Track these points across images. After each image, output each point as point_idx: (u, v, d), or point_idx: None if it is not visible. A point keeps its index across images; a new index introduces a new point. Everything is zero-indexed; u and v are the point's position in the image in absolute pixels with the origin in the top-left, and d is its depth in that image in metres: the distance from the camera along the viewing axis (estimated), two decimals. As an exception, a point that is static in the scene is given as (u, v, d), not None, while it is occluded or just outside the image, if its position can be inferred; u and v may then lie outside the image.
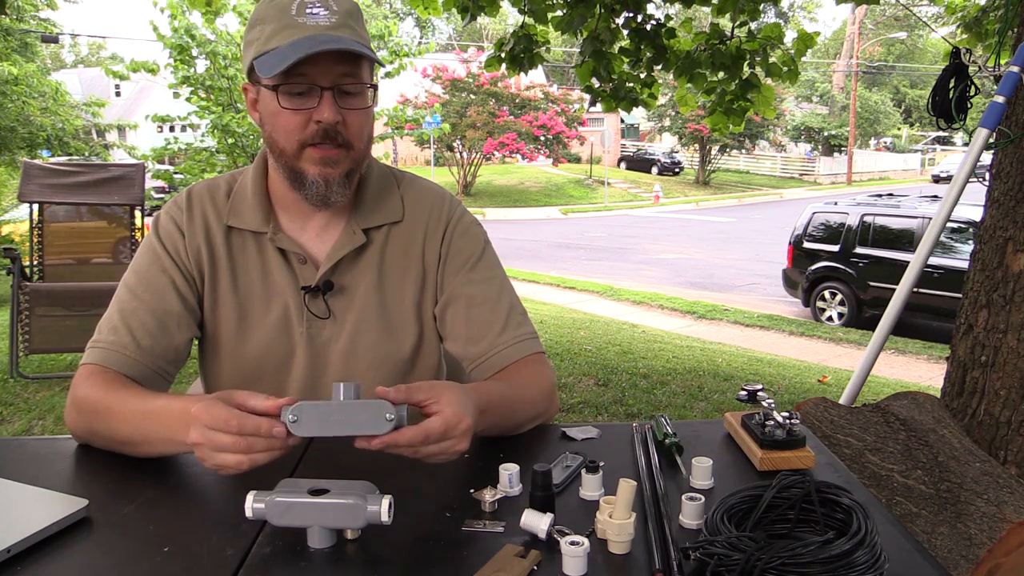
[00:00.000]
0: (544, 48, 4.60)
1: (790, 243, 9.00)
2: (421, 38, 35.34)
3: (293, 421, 0.85)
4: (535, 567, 0.78)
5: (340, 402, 0.86)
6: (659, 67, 4.64)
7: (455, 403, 0.92)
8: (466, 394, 0.96)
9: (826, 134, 33.75)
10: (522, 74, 4.97)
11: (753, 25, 4.47)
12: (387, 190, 1.25)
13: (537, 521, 0.83)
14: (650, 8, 4.45)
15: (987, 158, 2.57)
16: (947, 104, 2.68)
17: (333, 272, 1.20)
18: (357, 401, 0.86)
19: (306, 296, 1.19)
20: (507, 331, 1.20)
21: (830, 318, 8.55)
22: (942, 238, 6.47)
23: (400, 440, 0.87)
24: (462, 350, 1.22)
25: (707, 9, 4.42)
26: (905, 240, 8.00)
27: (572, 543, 0.76)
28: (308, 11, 1.07)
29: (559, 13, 4.31)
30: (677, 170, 30.92)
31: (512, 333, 1.21)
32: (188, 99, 6.98)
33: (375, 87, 1.14)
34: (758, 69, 4.51)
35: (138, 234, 4.93)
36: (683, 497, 0.88)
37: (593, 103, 4.77)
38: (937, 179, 29.79)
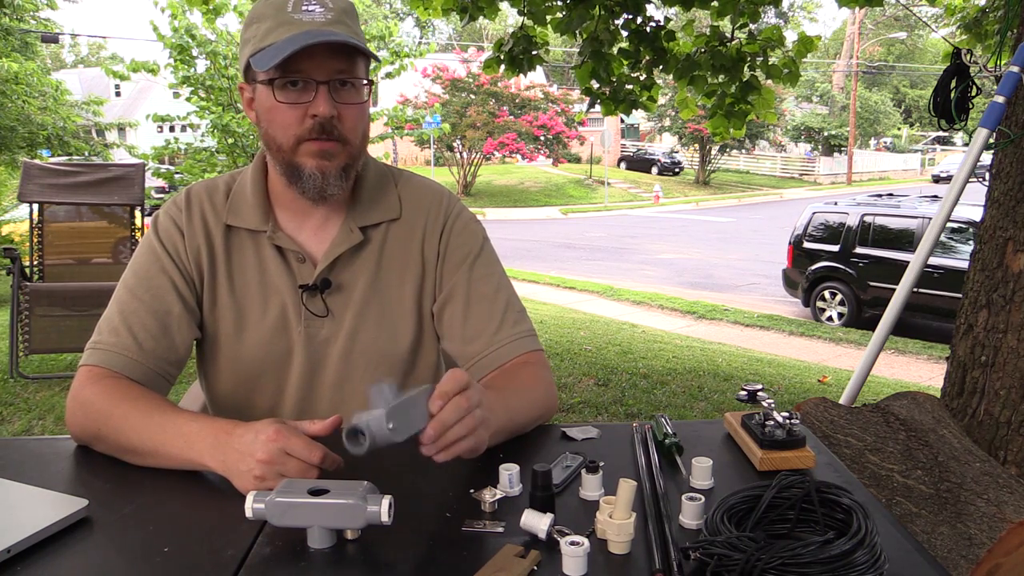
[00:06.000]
0: (543, 50, 4.59)
1: (790, 243, 9.00)
2: (421, 38, 35.36)
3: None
4: (535, 567, 0.78)
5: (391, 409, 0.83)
6: (659, 69, 4.64)
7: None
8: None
9: (826, 134, 33.73)
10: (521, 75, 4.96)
11: (753, 27, 4.47)
12: (384, 188, 1.25)
13: (537, 521, 0.83)
14: (650, 10, 4.45)
15: (987, 158, 2.57)
16: (948, 105, 2.68)
17: (331, 270, 1.19)
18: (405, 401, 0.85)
19: (304, 295, 1.19)
20: (503, 329, 1.20)
21: (830, 318, 8.54)
22: (942, 238, 6.46)
23: (447, 415, 0.87)
24: (458, 348, 1.22)
25: (706, 11, 4.42)
26: (905, 240, 8.00)
27: (572, 543, 0.76)
28: (304, 7, 1.09)
29: (559, 15, 4.30)
30: (677, 170, 30.91)
31: (508, 331, 1.20)
32: (188, 99, 6.97)
33: (370, 83, 1.15)
34: (758, 71, 4.50)
35: (138, 234, 4.93)
36: (683, 497, 0.88)
37: (592, 105, 4.77)
38: (937, 179, 29.79)
